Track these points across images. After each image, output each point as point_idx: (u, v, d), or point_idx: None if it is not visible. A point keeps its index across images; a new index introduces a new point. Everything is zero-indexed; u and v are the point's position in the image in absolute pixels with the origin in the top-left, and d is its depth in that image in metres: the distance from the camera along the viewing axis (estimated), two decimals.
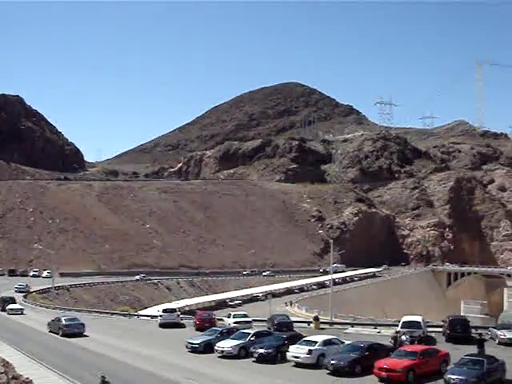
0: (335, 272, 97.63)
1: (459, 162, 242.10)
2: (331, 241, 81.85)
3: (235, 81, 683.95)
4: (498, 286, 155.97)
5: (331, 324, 50.87)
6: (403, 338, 33.81)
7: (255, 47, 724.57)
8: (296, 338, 34.21)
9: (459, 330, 37.01)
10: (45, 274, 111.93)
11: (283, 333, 38.57)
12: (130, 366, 32.49)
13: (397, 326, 39.10)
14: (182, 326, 51.94)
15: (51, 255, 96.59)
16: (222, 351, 34.76)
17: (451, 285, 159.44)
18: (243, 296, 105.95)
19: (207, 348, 36.28)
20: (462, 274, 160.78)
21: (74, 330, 45.14)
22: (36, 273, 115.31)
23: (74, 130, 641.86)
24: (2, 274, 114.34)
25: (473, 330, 38.55)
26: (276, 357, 32.64)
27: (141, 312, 75.88)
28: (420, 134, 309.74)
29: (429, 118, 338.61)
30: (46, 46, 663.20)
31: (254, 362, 32.93)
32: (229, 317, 51.03)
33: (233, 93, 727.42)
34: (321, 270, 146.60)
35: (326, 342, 32.08)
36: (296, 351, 31.45)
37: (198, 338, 37.98)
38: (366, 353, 29.16)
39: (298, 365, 31.00)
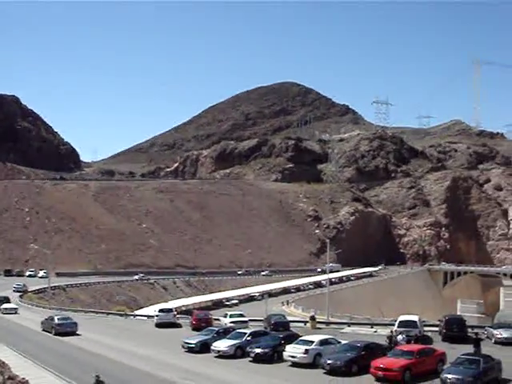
0: (331, 272, 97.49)
1: (455, 161, 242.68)
2: (328, 240, 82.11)
3: (231, 80, 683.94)
4: (495, 286, 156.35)
5: (328, 324, 50.83)
6: (399, 337, 33.85)
7: (251, 47, 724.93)
8: (292, 338, 34.16)
9: (455, 330, 37.08)
10: (41, 273, 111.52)
11: (280, 332, 38.53)
12: (126, 365, 32.42)
13: (393, 325, 39.11)
14: (178, 325, 51.84)
15: (47, 255, 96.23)
16: (219, 351, 34.69)
17: (447, 284, 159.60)
18: (240, 296, 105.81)
19: (203, 348, 36.18)
20: (459, 274, 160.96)
21: (67, 329, 45.49)
22: (32, 273, 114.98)
23: (70, 130, 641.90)
24: None
25: (469, 330, 38.67)
26: (272, 356, 32.61)
27: (137, 312, 75.81)
28: (416, 134, 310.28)
29: (425, 117, 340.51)
30: (41, 45, 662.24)
31: (250, 361, 32.87)
32: (225, 316, 51.02)
33: (229, 92, 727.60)
34: (318, 270, 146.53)
35: (323, 342, 32.07)
36: (292, 351, 31.42)
37: (195, 338, 37.89)
38: (363, 352, 29.15)
39: (295, 364, 30.98)
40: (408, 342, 33.09)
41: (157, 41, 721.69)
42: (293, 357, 31.23)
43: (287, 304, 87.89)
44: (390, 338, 33.48)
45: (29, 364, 31.23)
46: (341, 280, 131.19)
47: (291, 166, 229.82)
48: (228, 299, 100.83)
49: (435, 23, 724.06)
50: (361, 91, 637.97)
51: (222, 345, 34.96)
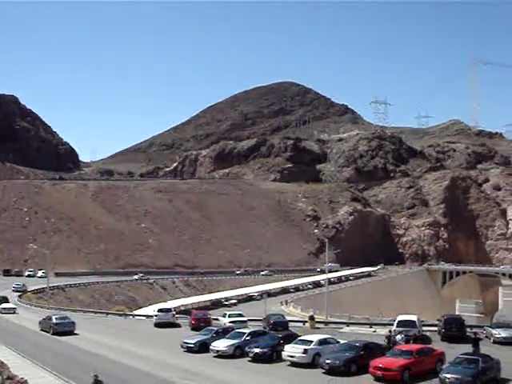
0: (330, 271, 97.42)
1: (454, 161, 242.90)
2: (326, 240, 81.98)
3: (230, 80, 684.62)
4: (493, 285, 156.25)
5: (326, 323, 50.83)
6: (398, 337, 33.82)
7: (250, 47, 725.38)
8: (291, 338, 34.15)
9: (454, 329, 37.07)
10: (40, 273, 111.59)
11: (278, 332, 38.49)
12: (125, 365, 32.37)
13: (392, 325, 39.10)
14: (177, 325, 51.82)
15: (46, 255, 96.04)
16: (218, 351, 34.65)
17: (446, 284, 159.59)
18: (238, 295, 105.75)
19: (202, 348, 36.14)
20: (457, 273, 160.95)
21: (65, 329, 45.62)
22: (31, 273, 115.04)
23: (68, 130, 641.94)
24: None
25: (468, 329, 38.65)
26: (271, 356, 32.59)
27: (136, 312, 75.73)
28: (415, 134, 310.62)
29: (424, 117, 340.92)
30: (40, 45, 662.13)
31: (249, 361, 32.85)
32: (224, 316, 51.04)
33: (228, 92, 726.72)
34: (317, 270, 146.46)
35: (322, 342, 32.04)
36: (291, 350, 31.39)
37: (194, 338, 37.83)
38: (362, 352, 29.12)
39: (294, 364, 30.96)
40: (407, 341, 33.04)
41: (155, 41, 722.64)
42: (292, 356, 31.20)
43: (286, 304, 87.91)
44: (389, 337, 33.46)
45: (27, 364, 31.20)
46: (340, 280, 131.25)
47: (290, 165, 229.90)
48: (227, 299, 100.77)
49: (434, 23, 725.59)
50: (360, 91, 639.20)
51: (221, 344, 34.92)
